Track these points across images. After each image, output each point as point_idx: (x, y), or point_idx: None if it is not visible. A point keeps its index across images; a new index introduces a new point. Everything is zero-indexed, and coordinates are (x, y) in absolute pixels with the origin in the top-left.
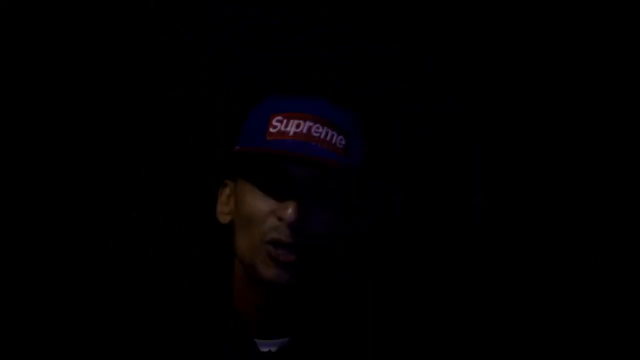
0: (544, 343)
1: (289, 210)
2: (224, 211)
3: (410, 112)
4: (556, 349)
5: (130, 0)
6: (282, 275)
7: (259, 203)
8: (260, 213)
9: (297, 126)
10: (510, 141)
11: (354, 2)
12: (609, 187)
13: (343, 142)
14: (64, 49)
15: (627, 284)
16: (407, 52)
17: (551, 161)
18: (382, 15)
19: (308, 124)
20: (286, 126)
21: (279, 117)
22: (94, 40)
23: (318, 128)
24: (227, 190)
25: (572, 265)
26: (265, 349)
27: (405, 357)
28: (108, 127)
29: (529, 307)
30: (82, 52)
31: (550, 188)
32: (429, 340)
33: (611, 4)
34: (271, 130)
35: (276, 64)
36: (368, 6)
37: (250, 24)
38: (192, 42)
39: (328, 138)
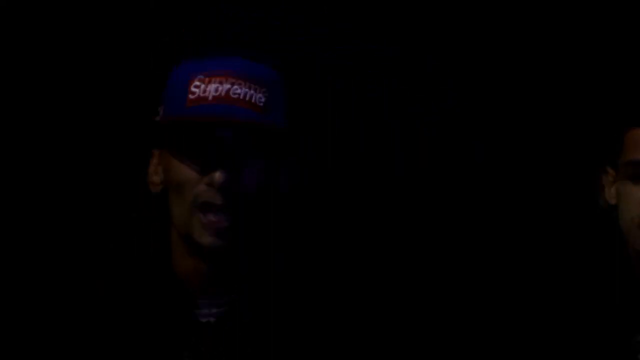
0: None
1: (217, 174)
2: (154, 181)
3: (410, 112)
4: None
5: (130, 0)
6: (217, 241)
7: (186, 170)
8: (188, 180)
9: (216, 90)
10: (510, 141)
11: (354, 2)
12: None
13: (262, 100)
14: (64, 49)
15: None
16: (407, 52)
17: (551, 160)
18: (382, 15)
19: (226, 85)
20: (204, 91)
21: (198, 81)
22: (94, 40)
23: (237, 89)
24: (154, 160)
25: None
26: (204, 320)
27: (344, 321)
28: (109, 127)
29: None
30: (82, 52)
31: (550, 187)
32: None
33: (611, 4)
34: (190, 96)
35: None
36: (368, 6)
37: (250, 24)
38: (192, 42)
39: (247, 98)
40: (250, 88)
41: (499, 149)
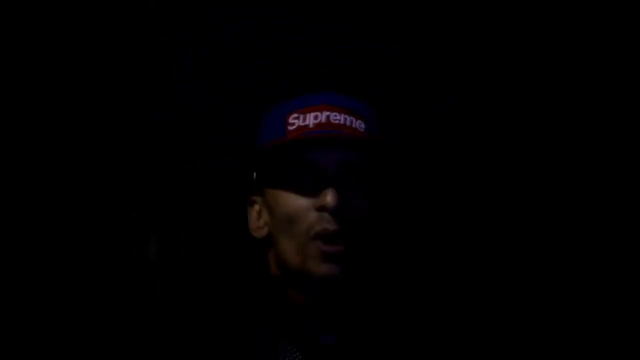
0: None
1: (328, 198)
2: (259, 225)
3: (411, 112)
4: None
5: (130, 0)
6: (334, 269)
7: (295, 201)
8: (299, 210)
9: (315, 117)
10: (510, 141)
11: (354, 2)
12: (609, 186)
13: (363, 126)
14: (64, 49)
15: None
16: (407, 52)
17: (551, 160)
18: (382, 15)
19: (325, 113)
20: (304, 120)
21: (295, 115)
22: (94, 40)
23: (336, 115)
24: (256, 207)
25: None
26: (324, 341)
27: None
28: (108, 128)
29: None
30: (82, 51)
31: (550, 188)
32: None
33: (611, 4)
34: (289, 128)
35: (276, 63)
36: (368, 6)
37: (250, 24)
38: (192, 42)
39: (348, 123)
40: (349, 115)
41: (499, 149)
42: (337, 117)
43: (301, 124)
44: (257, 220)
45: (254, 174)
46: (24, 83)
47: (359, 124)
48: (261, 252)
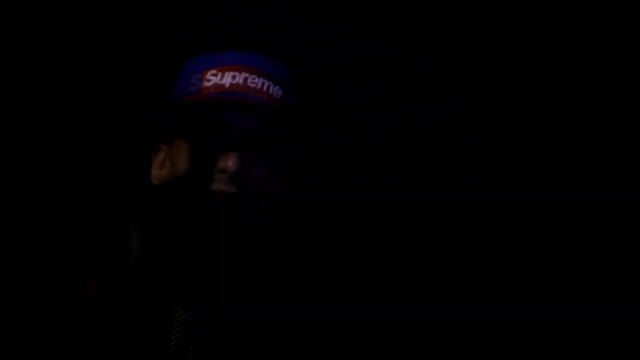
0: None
1: (230, 162)
2: (160, 175)
3: (411, 112)
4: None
5: (130, 0)
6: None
7: (197, 158)
8: (199, 167)
9: (233, 78)
10: (510, 141)
11: (354, 2)
12: (610, 186)
13: (280, 93)
14: (64, 49)
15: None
16: (407, 52)
17: (551, 160)
18: (382, 15)
19: (244, 75)
20: (221, 79)
21: (214, 71)
22: (94, 39)
23: (254, 79)
24: (161, 155)
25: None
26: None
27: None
28: (108, 127)
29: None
30: (82, 51)
31: (550, 187)
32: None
33: (611, 4)
34: (206, 84)
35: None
36: (368, 6)
37: (250, 24)
38: (192, 42)
39: (265, 88)
40: (267, 80)
41: (498, 148)
42: (255, 81)
43: (218, 81)
44: (160, 169)
45: (165, 123)
46: (22, 83)
47: (277, 90)
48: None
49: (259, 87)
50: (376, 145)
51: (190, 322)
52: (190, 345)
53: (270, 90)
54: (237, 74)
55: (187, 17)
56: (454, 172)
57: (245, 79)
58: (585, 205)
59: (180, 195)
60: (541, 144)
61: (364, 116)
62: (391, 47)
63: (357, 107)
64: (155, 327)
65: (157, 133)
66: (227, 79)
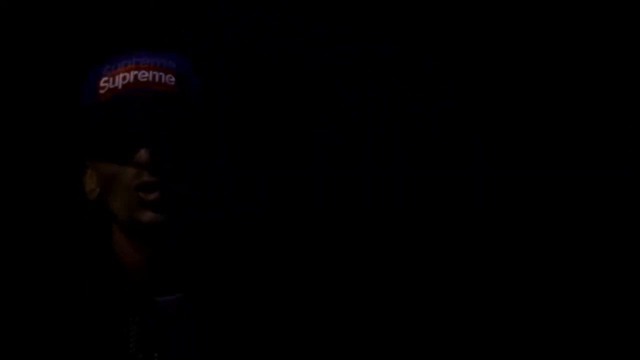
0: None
1: (142, 153)
2: (91, 188)
3: (410, 112)
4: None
5: (130, 0)
6: (157, 216)
7: (111, 162)
8: (117, 169)
9: (124, 78)
10: (510, 141)
11: (354, 2)
12: (610, 187)
13: (173, 80)
14: (63, 49)
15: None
16: (407, 52)
17: (550, 161)
18: (382, 15)
19: (133, 73)
20: (113, 83)
21: (105, 78)
22: (93, 40)
23: (144, 73)
24: (88, 172)
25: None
26: (163, 301)
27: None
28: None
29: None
30: (81, 51)
31: (550, 188)
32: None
33: (611, 4)
34: (100, 92)
35: (276, 63)
36: (368, 6)
37: (250, 24)
38: (192, 42)
39: (157, 79)
40: (158, 71)
41: (498, 149)
42: (145, 75)
43: (111, 86)
44: (90, 183)
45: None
46: (20, 83)
47: (169, 78)
48: (99, 215)
49: (150, 79)
50: (376, 146)
51: (144, 326)
52: (155, 350)
53: (163, 80)
54: (126, 74)
55: (187, 17)
56: (454, 173)
57: (135, 76)
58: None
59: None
60: (541, 145)
61: (364, 116)
62: (391, 47)
63: (357, 107)
64: (108, 331)
65: (80, 153)
66: (118, 82)
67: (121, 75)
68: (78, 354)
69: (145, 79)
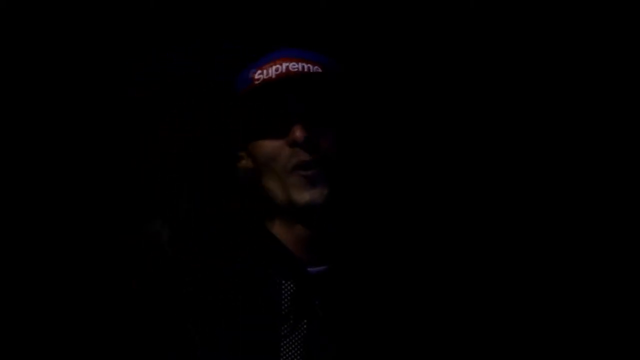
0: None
1: (297, 133)
2: (249, 177)
3: (410, 112)
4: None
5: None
6: (316, 193)
7: (268, 143)
8: (273, 150)
9: (276, 70)
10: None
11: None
12: (610, 188)
13: (319, 69)
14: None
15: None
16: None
17: (551, 161)
18: (383, 14)
19: (285, 64)
20: (267, 74)
21: (259, 71)
22: (94, 39)
23: (295, 65)
24: (243, 162)
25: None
26: (314, 272)
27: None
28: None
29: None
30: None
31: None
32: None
33: (609, 5)
34: (255, 82)
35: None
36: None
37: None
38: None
39: (305, 69)
40: (306, 63)
41: (499, 149)
42: (296, 66)
43: (265, 77)
44: (245, 172)
45: (233, 130)
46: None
47: (316, 69)
48: (252, 197)
49: (300, 69)
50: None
51: (297, 292)
52: (304, 317)
53: (311, 70)
54: (278, 65)
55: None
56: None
57: (287, 67)
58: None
59: None
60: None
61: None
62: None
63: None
64: (262, 297)
65: (232, 143)
66: (271, 72)
67: (274, 67)
68: (238, 310)
69: (295, 69)
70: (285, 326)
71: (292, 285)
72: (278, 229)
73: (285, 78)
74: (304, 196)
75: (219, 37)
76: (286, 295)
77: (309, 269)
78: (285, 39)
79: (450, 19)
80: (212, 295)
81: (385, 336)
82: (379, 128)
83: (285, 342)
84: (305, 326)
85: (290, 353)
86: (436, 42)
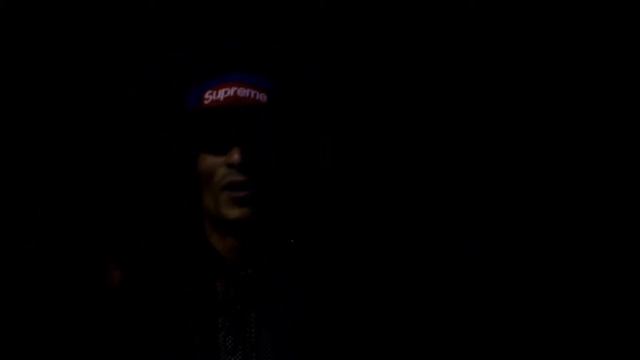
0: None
1: (235, 156)
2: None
3: (411, 112)
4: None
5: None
6: (243, 211)
7: (209, 160)
8: (211, 167)
9: (225, 92)
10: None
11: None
12: (610, 189)
13: (265, 97)
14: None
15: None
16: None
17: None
18: (383, 15)
19: (234, 88)
20: (216, 95)
21: (209, 91)
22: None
23: (243, 90)
24: (191, 172)
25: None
26: (242, 272)
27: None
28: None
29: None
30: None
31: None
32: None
33: (607, 5)
34: (205, 102)
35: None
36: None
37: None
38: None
39: (252, 96)
40: (253, 89)
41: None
42: (244, 92)
43: (214, 98)
44: (193, 179)
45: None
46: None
47: (262, 96)
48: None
49: (247, 95)
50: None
51: (227, 289)
52: (236, 308)
53: (257, 97)
54: (227, 89)
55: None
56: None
57: (236, 91)
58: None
59: None
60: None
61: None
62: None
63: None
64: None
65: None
66: (220, 95)
67: (223, 89)
68: (181, 306)
69: (243, 95)
70: (221, 319)
71: (222, 284)
72: (214, 238)
73: (233, 102)
74: (233, 213)
75: (219, 37)
76: (220, 290)
77: (240, 271)
78: (285, 39)
79: (450, 19)
80: (158, 296)
81: (302, 323)
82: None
83: (222, 333)
84: (237, 316)
85: (227, 342)
86: (436, 42)
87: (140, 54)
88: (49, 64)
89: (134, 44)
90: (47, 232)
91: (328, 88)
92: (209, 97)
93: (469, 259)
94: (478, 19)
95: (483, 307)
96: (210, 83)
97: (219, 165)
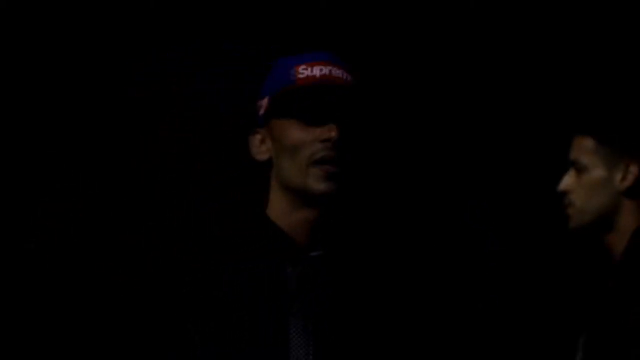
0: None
1: (333, 133)
2: (261, 150)
3: (411, 112)
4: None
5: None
6: (331, 186)
7: (302, 133)
8: (305, 140)
9: (321, 70)
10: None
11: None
12: None
13: (350, 79)
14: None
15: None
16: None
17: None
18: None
19: (329, 67)
20: (312, 72)
21: (304, 66)
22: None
23: (337, 70)
24: (258, 136)
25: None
26: (315, 255)
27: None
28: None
29: None
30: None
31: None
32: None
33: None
34: (300, 77)
35: None
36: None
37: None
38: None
39: (345, 77)
40: (343, 71)
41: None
42: (338, 72)
43: (309, 74)
44: (260, 146)
45: (260, 112)
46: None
47: (351, 79)
48: (261, 174)
49: (340, 75)
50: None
51: (301, 275)
52: (311, 298)
53: (348, 79)
54: (323, 67)
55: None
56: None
57: (330, 71)
58: None
59: None
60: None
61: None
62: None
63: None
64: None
65: (252, 121)
66: (317, 72)
67: (318, 67)
68: (244, 303)
69: (337, 75)
70: (294, 309)
71: (296, 270)
72: (279, 213)
73: (329, 81)
74: (321, 187)
75: (219, 37)
76: (292, 278)
77: (311, 254)
78: (285, 39)
79: (450, 19)
80: (215, 292)
81: (382, 320)
82: (380, 129)
83: (294, 322)
84: (312, 307)
85: (299, 334)
86: (436, 42)
87: (140, 54)
88: (49, 64)
89: (134, 44)
90: (47, 232)
91: None
92: (304, 72)
93: (484, 253)
94: (480, 19)
95: (501, 300)
96: (303, 57)
97: (311, 140)
